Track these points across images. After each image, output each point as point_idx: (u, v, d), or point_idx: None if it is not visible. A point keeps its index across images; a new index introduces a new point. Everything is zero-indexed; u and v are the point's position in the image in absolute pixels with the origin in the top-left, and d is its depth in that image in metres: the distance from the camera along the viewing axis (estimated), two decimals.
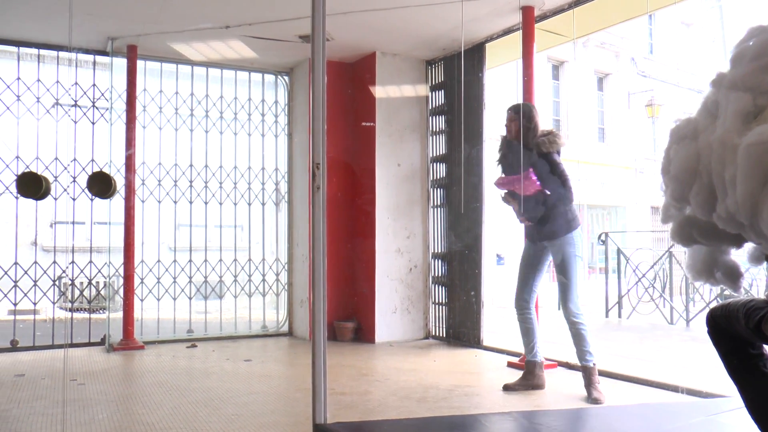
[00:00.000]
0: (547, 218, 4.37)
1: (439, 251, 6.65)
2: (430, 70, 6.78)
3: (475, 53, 6.16)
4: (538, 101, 5.45)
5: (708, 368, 4.71)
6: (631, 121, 17.73)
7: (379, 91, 6.53)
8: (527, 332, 4.56)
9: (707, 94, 2.20)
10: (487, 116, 6.19)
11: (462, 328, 6.31)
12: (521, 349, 5.31)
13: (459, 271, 6.36)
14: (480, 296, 6.12)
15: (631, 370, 4.96)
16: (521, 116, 4.46)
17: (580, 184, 16.21)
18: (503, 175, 4.53)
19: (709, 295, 8.56)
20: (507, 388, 4.47)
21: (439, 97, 6.68)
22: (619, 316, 9.30)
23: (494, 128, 5.82)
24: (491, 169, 7.42)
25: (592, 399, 4.22)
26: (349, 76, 6.81)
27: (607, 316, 9.38)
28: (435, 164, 6.71)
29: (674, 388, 4.43)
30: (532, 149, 4.37)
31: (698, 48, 18.26)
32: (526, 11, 5.36)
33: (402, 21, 5.71)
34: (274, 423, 3.73)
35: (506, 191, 4.48)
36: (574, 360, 5.22)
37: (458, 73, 6.21)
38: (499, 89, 12.23)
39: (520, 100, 5.50)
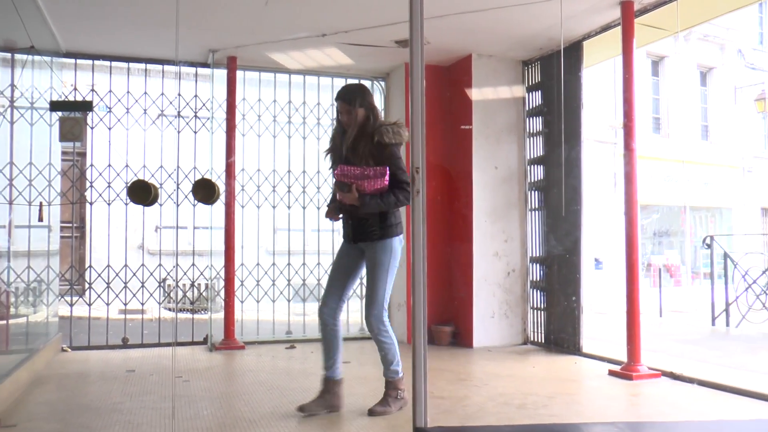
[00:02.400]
0: (366, 219, 3.89)
1: (538, 255, 6.52)
2: (527, 71, 6.67)
3: (573, 52, 6.01)
4: (637, 99, 5.27)
5: None
6: (738, 117, 16.89)
7: (475, 94, 6.48)
8: (330, 345, 4.01)
9: None
10: (586, 116, 6.03)
11: (561, 334, 6.16)
12: (622, 357, 5.16)
13: (558, 275, 6.22)
14: (580, 301, 5.96)
15: (742, 383, 4.67)
16: (356, 101, 3.91)
17: (683, 185, 15.59)
18: (346, 166, 3.85)
19: None
20: (302, 409, 3.91)
21: (536, 98, 6.56)
22: (727, 324, 8.85)
23: (592, 129, 5.65)
24: (590, 171, 7.25)
25: (376, 411, 3.94)
26: (445, 79, 6.80)
27: (713, 324, 8.94)
28: (532, 166, 6.59)
29: None
30: (370, 139, 3.85)
31: None
32: (626, 6, 5.21)
33: (498, 22, 5.64)
34: (373, 425, 3.75)
35: (340, 182, 3.83)
36: (680, 370, 5.02)
37: (556, 72, 6.08)
38: (597, 88, 11.94)
39: (621, 100, 5.34)
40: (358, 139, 3.89)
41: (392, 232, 3.93)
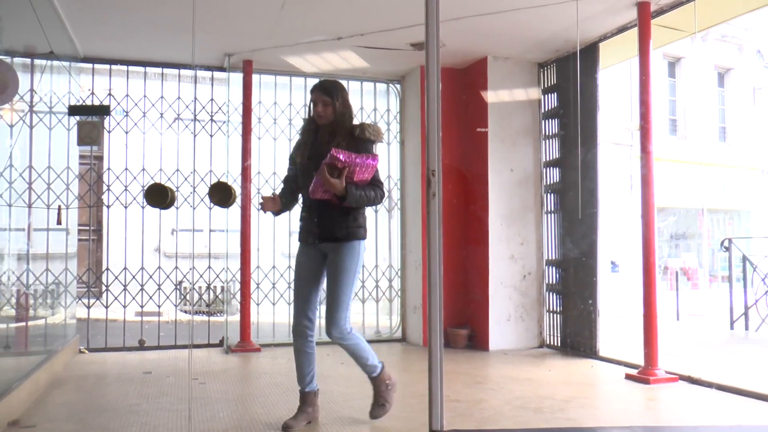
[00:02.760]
0: (335, 216, 3.65)
1: (554, 258, 6.49)
2: (542, 73, 6.65)
3: (589, 53, 5.99)
4: (654, 100, 5.24)
5: None
6: (757, 119, 16.73)
7: (491, 96, 6.47)
8: (308, 359, 3.80)
9: None
10: (602, 118, 6.01)
11: (578, 338, 6.13)
12: (639, 361, 5.12)
13: (574, 278, 6.19)
14: (596, 304, 5.93)
15: (761, 387, 4.61)
16: (336, 95, 3.72)
17: (700, 187, 15.47)
18: (342, 153, 3.55)
19: None
20: (287, 427, 3.70)
21: (552, 100, 6.53)
22: (746, 328, 8.74)
23: (609, 131, 5.59)
24: (606, 173, 7.22)
25: (377, 414, 3.86)
26: (460, 81, 6.79)
27: (732, 328, 8.84)
28: (548, 169, 6.57)
29: None
30: (350, 133, 3.69)
31: None
32: (642, 7, 5.18)
33: (513, 24, 5.63)
34: (390, 427, 3.76)
35: (331, 165, 3.51)
36: (698, 374, 4.98)
37: (572, 74, 6.06)
38: (613, 90, 11.87)
39: (637, 102, 5.30)
40: (337, 133, 3.72)
41: (360, 234, 3.72)
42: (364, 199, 3.64)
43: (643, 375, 4.99)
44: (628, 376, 5.11)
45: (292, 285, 3.65)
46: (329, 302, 3.68)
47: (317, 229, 3.68)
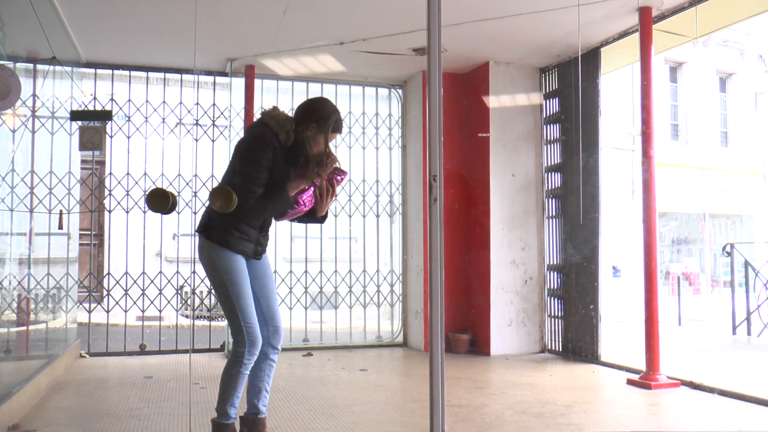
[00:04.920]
0: (269, 232, 3.53)
1: (555, 263, 6.49)
2: (544, 78, 6.65)
3: (590, 58, 6.00)
4: (656, 105, 5.24)
5: None
6: (759, 123, 16.73)
7: (492, 101, 6.47)
8: (240, 384, 3.40)
9: None
10: (603, 123, 6.01)
11: (579, 343, 6.12)
12: (641, 366, 5.11)
13: (576, 283, 6.18)
14: (598, 309, 5.92)
15: (763, 393, 4.60)
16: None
17: (702, 192, 15.46)
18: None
19: None
20: None
21: (554, 105, 6.54)
22: (749, 333, 8.73)
23: (610, 136, 5.58)
24: (608, 178, 7.21)
25: None
26: (462, 86, 6.79)
27: (734, 333, 8.83)
28: (550, 174, 6.57)
29: None
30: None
31: None
32: (644, 12, 5.17)
33: (515, 29, 5.64)
34: None
35: (331, 181, 3.48)
36: (699, 379, 4.96)
37: (574, 79, 6.07)
38: (615, 94, 11.88)
39: (639, 106, 5.29)
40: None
41: None
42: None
43: (645, 380, 4.98)
44: (630, 382, 5.10)
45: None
46: (274, 313, 3.45)
47: (262, 243, 3.44)
